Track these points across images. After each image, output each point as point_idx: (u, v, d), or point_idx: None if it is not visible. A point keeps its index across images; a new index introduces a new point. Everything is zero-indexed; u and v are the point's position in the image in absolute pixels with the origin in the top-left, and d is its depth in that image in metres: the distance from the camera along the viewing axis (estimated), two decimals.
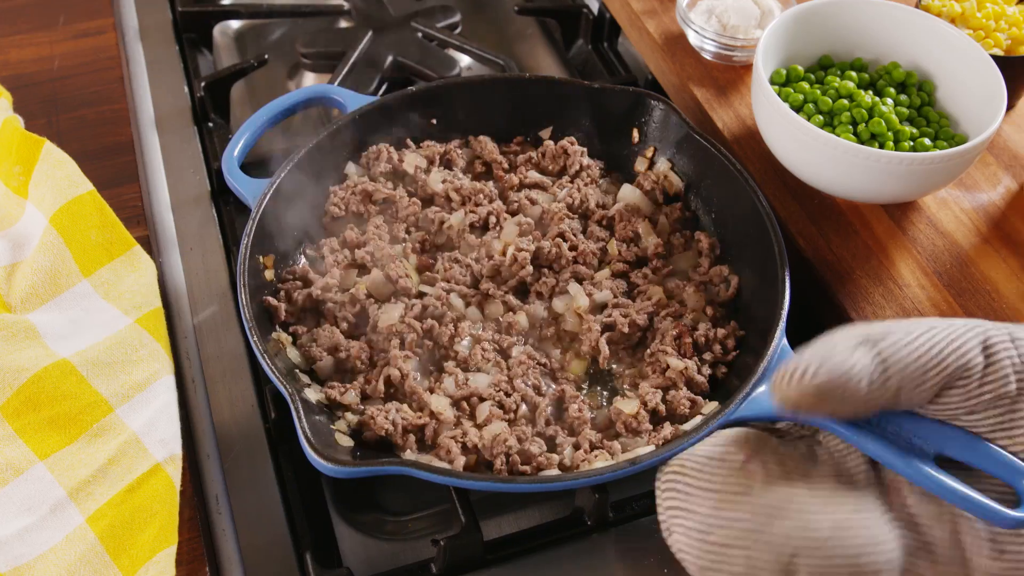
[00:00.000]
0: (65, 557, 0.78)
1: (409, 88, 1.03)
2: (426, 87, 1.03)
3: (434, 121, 1.04)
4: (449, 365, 0.87)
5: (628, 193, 1.00)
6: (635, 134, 1.03)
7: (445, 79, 1.05)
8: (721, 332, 0.89)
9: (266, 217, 0.91)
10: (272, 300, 0.90)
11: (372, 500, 0.90)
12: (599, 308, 0.92)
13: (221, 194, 1.06)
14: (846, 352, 0.68)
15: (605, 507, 0.82)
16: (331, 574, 0.77)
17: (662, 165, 1.01)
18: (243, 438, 0.87)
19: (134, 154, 1.10)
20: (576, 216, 0.99)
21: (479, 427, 0.83)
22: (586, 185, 1.01)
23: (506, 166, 1.03)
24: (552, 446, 0.83)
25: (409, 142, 1.03)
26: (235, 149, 0.96)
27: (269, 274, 0.90)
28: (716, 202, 0.98)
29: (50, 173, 0.99)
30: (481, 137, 1.05)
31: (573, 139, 1.04)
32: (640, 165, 1.03)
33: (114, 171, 1.07)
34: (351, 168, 1.01)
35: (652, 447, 0.80)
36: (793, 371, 0.68)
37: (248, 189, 0.93)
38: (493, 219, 0.97)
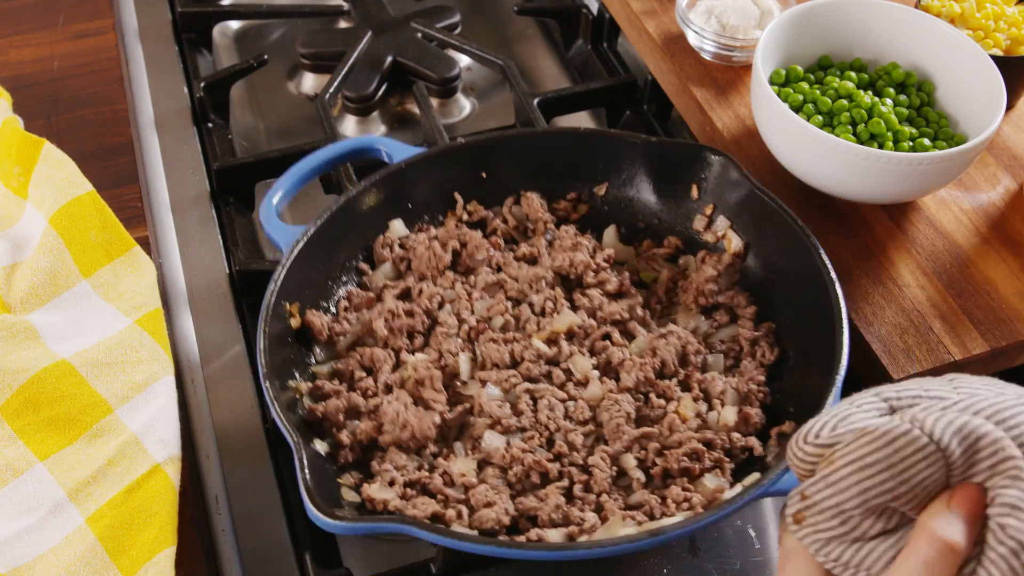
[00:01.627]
0: (65, 558, 0.78)
1: (458, 140, 0.98)
2: (475, 141, 0.98)
3: (484, 175, 0.98)
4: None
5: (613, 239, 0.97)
6: (694, 190, 0.96)
7: (497, 133, 0.99)
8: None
9: (298, 265, 0.87)
10: (315, 318, 0.87)
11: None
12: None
13: (221, 195, 1.06)
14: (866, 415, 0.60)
15: None
16: (331, 574, 0.77)
17: (721, 223, 0.94)
18: (243, 438, 0.88)
19: (134, 154, 1.10)
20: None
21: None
22: (572, 249, 0.94)
23: (553, 223, 0.98)
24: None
25: (457, 196, 0.98)
26: (275, 198, 0.92)
27: (295, 321, 0.86)
28: (776, 262, 0.91)
29: (50, 174, 0.99)
30: (529, 194, 0.99)
31: (534, 195, 0.99)
32: (699, 223, 0.96)
33: (114, 172, 1.07)
34: (396, 225, 0.96)
35: (681, 517, 0.75)
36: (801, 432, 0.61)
37: (283, 237, 0.89)
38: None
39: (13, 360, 0.87)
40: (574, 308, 0.91)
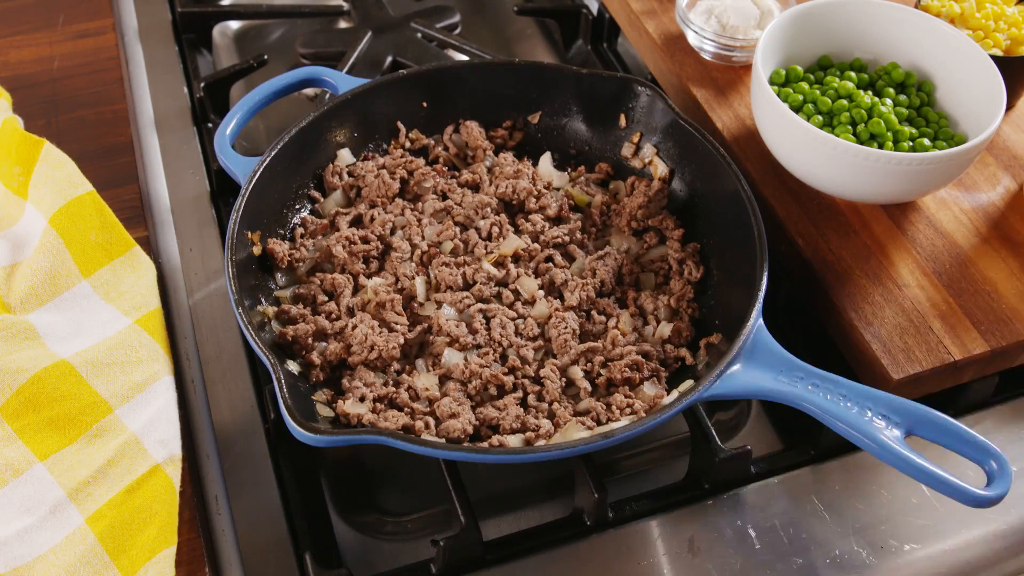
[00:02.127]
0: (65, 558, 0.78)
1: (400, 72, 1.04)
2: (417, 71, 1.04)
3: (424, 104, 1.04)
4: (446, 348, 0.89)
5: (548, 168, 1.04)
6: (622, 119, 1.03)
7: (436, 65, 1.05)
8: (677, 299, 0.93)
9: (255, 194, 0.91)
10: (276, 245, 0.92)
11: (372, 500, 0.90)
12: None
13: (221, 195, 1.07)
14: None
15: (605, 508, 0.82)
16: (331, 574, 0.77)
17: (648, 151, 1.02)
18: (243, 438, 0.88)
19: (133, 155, 1.10)
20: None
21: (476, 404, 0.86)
22: (514, 176, 1.01)
23: (492, 150, 1.04)
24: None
25: (400, 125, 1.04)
26: (227, 128, 0.97)
27: (256, 249, 0.91)
28: (699, 187, 0.98)
29: (50, 174, 0.99)
30: (468, 123, 1.05)
31: (474, 124, 1.05)
32: (627, 151, 1.03)
33: (113, 172, 1.07)
34: (344, 154, 1.01)
35: (627, 421, 0.82)
36: None
37: (239, 167, 0.94)
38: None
39: (13, 360, 0.87)
40: (518, 232, 0.98)
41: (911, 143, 0.94)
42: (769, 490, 0.86)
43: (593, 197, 1.01)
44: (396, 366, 0.87)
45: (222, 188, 1.06)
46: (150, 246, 1.01)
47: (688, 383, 0.85)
